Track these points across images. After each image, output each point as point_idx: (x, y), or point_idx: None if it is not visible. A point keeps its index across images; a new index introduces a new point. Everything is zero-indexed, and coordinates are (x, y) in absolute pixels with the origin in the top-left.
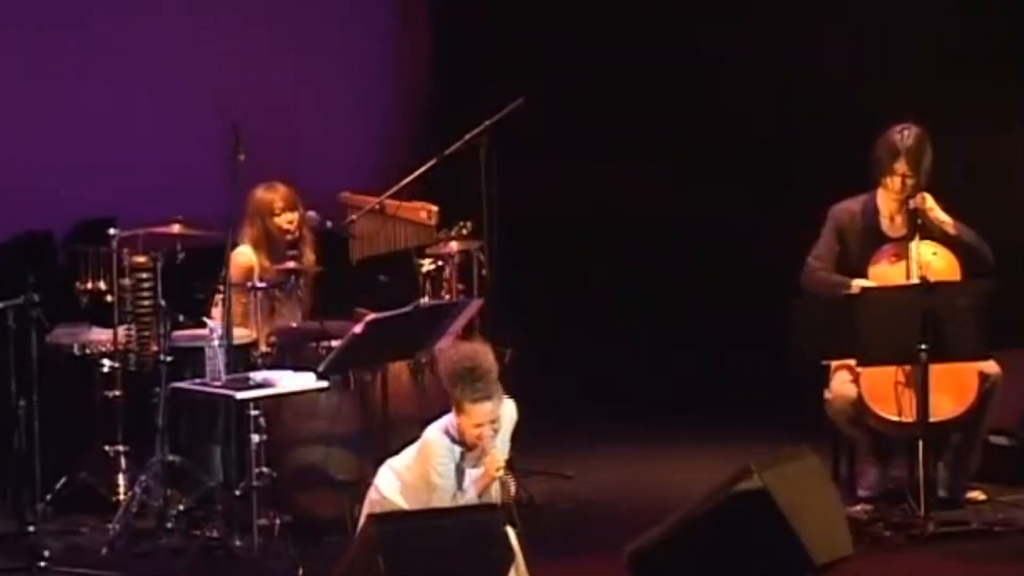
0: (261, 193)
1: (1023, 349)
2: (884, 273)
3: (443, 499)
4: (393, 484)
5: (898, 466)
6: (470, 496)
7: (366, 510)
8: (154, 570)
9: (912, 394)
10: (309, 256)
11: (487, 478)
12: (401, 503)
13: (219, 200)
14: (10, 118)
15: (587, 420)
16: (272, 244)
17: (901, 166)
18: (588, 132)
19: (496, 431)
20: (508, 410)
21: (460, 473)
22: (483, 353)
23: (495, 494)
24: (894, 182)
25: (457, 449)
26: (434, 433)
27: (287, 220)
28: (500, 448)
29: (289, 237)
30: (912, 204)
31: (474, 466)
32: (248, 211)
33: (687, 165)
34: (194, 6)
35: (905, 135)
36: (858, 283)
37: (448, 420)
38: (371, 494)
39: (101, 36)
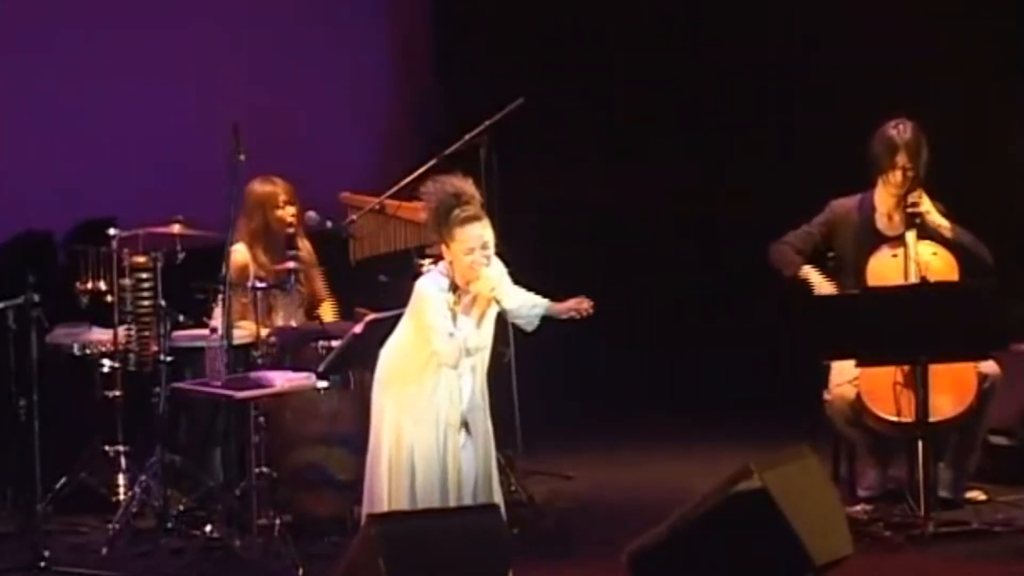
0: (260, 186)
1: (1023, 348)
2: (883, 272)
3: (440, 340)
4: (387, 356)
5: (898, 466)
6: (466, 332)
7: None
8: (154, 570)
9: (911, 394)
10: (306, 246)
11: (483, 300)
12: (397, 361)
13: (219, 200)
14: (10, 119)
15: (587, 420)
16: (271, 239)
17: (902, 159)
18: (588, 132)
19: (488, 258)
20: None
21: (453, 317)
22: (466, 181)
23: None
24: (895, 176)
25: (449, 294)
26: (423, 280)
27: (290, 213)
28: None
29: (290, 231)
30: (909, 200)
31: (465, 313)
32: (247, 205)
33: (687, 164)
34: (193, 7)
35: (901, 129)
36: (808, 270)
37: (437, 267)
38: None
39: (101, 37)
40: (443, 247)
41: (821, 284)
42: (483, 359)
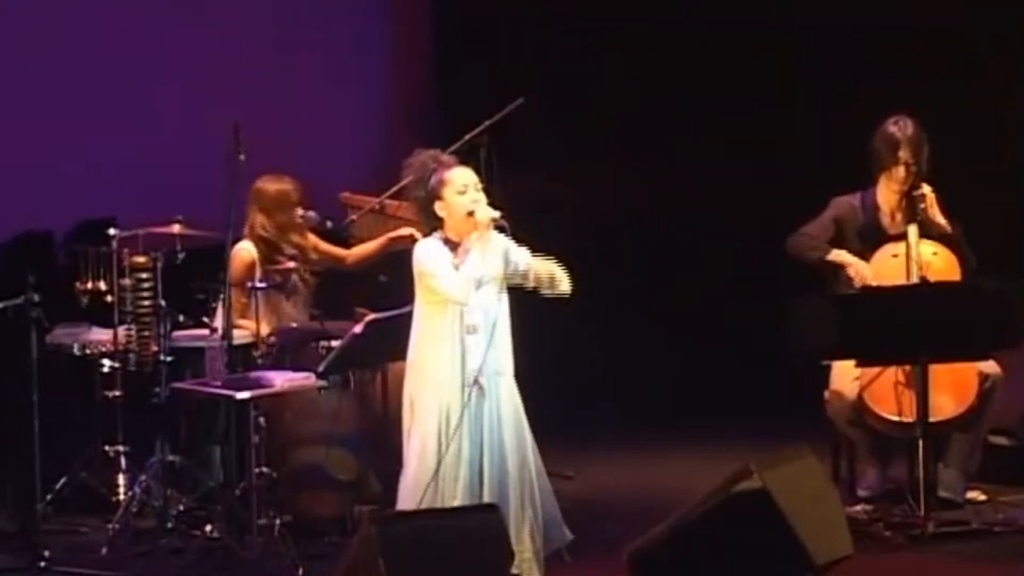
0: (277, 185)
1: (1023, 349)
2: (883, 272)
3: (445, 281)
4: (410, 346)
5: (898, 466)
6: (470, 269)
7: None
8: (154, 570)
9: (912, 394)
10: (312, 241)
11: (483, 228)
12: (412, 348)
13: (219, 200)
14: (10, 118)
15: (587, 420)
16: (285, 238)
17: (905, 154)
18: (587, 132)
19: (477, 201)
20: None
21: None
22: (440, 152)
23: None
24: (898, 172)
25: (447, 250)
26: (419, 245)
27: (299, 215)
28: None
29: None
30: (917, 192)
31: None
32: (265, 204)
33: (687, 163)
34: (193, 7)
35: (902, 125)
36: (837, 253)
37: (431, 237)
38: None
39: (101, 36)
40: (437, 205)
41: (856, 264)
42: (498, 326)
